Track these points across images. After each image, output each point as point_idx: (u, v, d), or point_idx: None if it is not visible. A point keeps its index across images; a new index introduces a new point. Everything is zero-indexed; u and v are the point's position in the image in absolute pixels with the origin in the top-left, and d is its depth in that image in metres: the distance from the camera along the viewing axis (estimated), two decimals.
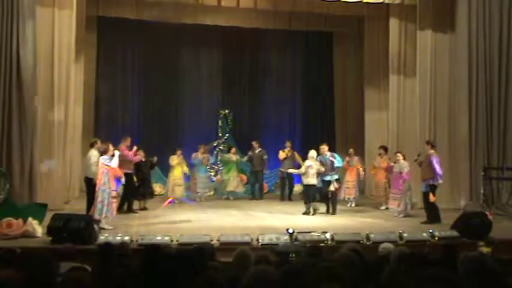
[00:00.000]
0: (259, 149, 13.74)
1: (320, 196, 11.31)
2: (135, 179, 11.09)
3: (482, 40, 11.44)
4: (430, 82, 12.25)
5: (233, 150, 13.97)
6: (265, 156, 13.71)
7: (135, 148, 11.08)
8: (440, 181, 9.97)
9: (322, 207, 11.22)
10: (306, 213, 11.00)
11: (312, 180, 10.98)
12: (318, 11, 13.91)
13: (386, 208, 11.57)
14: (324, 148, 11.26)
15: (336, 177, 11.22)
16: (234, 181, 13.65)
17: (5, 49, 9.83)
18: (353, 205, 12.33)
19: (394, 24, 13.18)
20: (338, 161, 11.23)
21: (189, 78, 15.82)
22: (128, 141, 11.03)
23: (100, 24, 14.24)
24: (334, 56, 16.15)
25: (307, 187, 11.08)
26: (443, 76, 12.19)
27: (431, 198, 9.87)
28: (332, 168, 11.06)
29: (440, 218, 9.85)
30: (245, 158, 13.81)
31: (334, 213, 11.06)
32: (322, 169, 10.96)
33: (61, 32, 11.04)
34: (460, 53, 11.65)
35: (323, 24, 15.03)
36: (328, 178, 11.04)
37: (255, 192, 13.70)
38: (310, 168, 10.93)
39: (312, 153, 11.14)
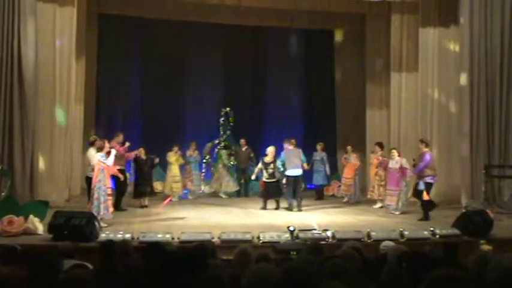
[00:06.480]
0: (246, 147, 13.81)
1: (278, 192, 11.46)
2: (127, 175, 11.07)
3: (483, 38, 11.37)
4: (431, 79, 12.23)
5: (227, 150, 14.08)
6: (252, 154, 13.75)
7: (127, 144, 11.00)
8: (429, 180, 10.04)
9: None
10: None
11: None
12: (320, 9, 13.88)
13: (381, 207, 11.40)
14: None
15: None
16: (226, 180, 13.66)
17: (6, 46, 9.85)
18: (345, 200, 12.43)
19: (395, 21, 13.17)
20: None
21: (191, 76, 15.78)
22: (120, 138, 10.96)
23: (101, 22, 14.21)
24: (336, 53, 16.10)
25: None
26: (445, 73, 12.16)
27: (425, 196, 9.95)
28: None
29: (429, 216, 9.92)
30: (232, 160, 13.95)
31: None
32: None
33: (62, 29, 11.04)
34: (462, 50, 11.61)
35: (325, 22, 14.99)
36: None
37: (240, 189, 13.74)
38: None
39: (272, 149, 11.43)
